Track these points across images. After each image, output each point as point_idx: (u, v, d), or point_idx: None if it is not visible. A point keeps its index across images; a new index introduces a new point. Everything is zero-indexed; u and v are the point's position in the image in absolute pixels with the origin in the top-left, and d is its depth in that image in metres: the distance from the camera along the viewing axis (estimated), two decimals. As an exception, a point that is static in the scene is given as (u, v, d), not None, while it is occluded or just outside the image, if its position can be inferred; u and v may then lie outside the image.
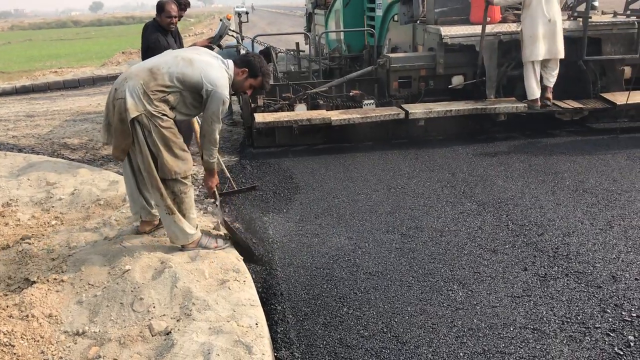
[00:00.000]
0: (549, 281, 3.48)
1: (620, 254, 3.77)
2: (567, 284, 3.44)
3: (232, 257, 3.75)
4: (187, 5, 6.22)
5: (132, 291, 3.29)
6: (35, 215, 4.72)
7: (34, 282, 3.51)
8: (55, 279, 3.53)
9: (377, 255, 3.92)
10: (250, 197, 5.21)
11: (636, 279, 3.44)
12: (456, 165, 5.81)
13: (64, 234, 4.24)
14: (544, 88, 6.53)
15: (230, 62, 3.81)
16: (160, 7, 5.69)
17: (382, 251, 3.99)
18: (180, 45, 6.26)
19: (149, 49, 5.45)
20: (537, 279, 3.52)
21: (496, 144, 6.56)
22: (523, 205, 4.69)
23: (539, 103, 6.54)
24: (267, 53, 8.46)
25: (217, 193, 4.11)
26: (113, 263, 3.64)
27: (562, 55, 6.36)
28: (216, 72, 3.64)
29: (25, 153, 7.00)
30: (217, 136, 3.78)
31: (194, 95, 3.65)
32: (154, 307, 3.15)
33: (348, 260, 3.87)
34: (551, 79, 6.50)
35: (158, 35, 5.55)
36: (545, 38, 6.28)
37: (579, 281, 3.46)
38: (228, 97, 3.69)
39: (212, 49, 6.93)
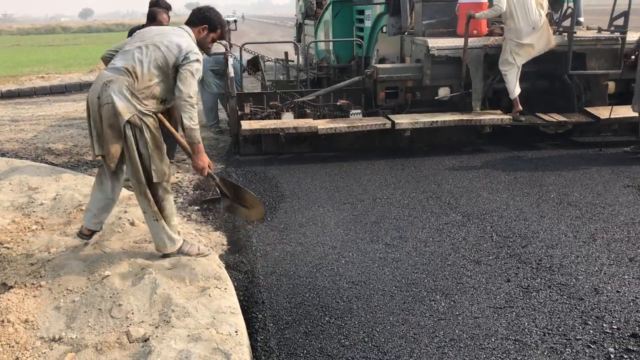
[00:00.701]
0: (532, 293, 3.48)
1: (603, 266, 3.77)
2: (550, 295, 3.44)
3: (214, 264, 3.72)
4: (169, 8, 6.30)
5: (110, 297, 3.25)
6: (15, 219, 4.64)
7: (11, 287, 3.45)
8: (33, 284, 3.48)
9: (360, 265, 3.90)
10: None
11: (618, 291, 3.45)
12: (442, 177, 5.82)
13: (44, 238, 4.18)
14: (513, 102, 6.68)
15: (186, 27, 3.75)
16: (153, 16, 5.73)
17: (365, 261, 3.96)
18: None
19: None
20: (519, 291, 3.51)
21: (482, 156, 6.58)
22: (507, 217, 4.69)
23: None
24: (255, 61, 8.48)
25: (212, 173, 3.87)
26: (92, 268, 3.59)
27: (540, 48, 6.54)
28: (180, 38, 3.59)
29: (8, 157, 6.92)
30: (195, 97, 3.55)
31: (174, 74, 3.56)
32: (132, 314, 3.10)
33: (331, 270, 3.85)
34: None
35: None
36: (533, 44, 6.43)
37: (562, 293, 3.46)
38: (200, 55, 3.61)
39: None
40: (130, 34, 5.76)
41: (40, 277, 3.55)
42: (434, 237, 4.33)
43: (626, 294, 3.41)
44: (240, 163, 6.59)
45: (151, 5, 6.36)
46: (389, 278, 3.71)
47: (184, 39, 3.60)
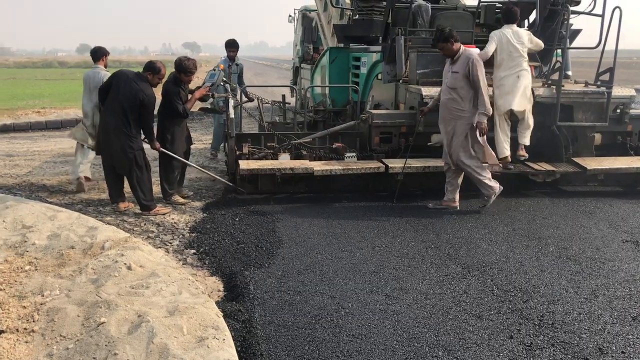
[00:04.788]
0: (535, 351, 3.42)
1: (606, 325, 3.72)
2: (554, 354, 3.37)
3: (212, 312, 3.64)
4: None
5: (106, 345, 3.16)
6: (8, 259, 4.55)
7: (3, 331, 3.35)
8: (25, 328, 3.38)
9: (360, 317, 3.83)
10: (231, 249, 5.12)
11: (623, 352, 3.39)
12: (440, 226, 5.80)
13: (38, 280, 4.09)
14: (517, 145, 6.75)
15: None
16: (191, 70, 6.48)
17: (365, 312, 3.89)
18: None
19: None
20: (522, 348, 3.45)
21: (476, 204, 6.54)
22: (507, 270, 4.66)
23: (509, 160, 6.69)
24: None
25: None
26: (88, 314, 3.50)
27: (515, 106, 6.54)
28: None
29: (2, 193, 6.84)
30: None
31: None
32: (128, 364, 3.01)
33: (331, 321, 3.77)
34: (525, 137, 6.71)
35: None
36: (512, 92, 6.53)
37: (566, 352, 3.40)
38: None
39: (210, 97, 7.16)
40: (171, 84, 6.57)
41: (33, 321, 3.46)
42: (435, 290, 4.27)
43: (632, 355, 3.36)
44: (237, 202, 6.56)
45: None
46: (389, 332, 3.64)
47: None
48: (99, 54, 7.21)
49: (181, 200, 6.65)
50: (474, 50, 6.26)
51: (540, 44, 6.77)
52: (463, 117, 6.13)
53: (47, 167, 8.59)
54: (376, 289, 4.28)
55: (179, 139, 6.52)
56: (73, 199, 6.82)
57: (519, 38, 6.53)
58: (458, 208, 6.37)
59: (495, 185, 6.30)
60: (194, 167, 7.02)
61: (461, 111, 6.12)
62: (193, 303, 3.72)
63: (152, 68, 6.10)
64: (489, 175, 6.30)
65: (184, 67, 6.39)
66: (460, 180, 6.39)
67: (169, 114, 6.30)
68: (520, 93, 6.54)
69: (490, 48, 6.51)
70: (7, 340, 3.23)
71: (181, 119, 6.53)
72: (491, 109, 6.12)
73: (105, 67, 7.26)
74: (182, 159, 6.55)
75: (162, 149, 6.28)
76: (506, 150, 6.66)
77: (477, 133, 6.12)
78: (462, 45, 6.16)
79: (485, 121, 6.08)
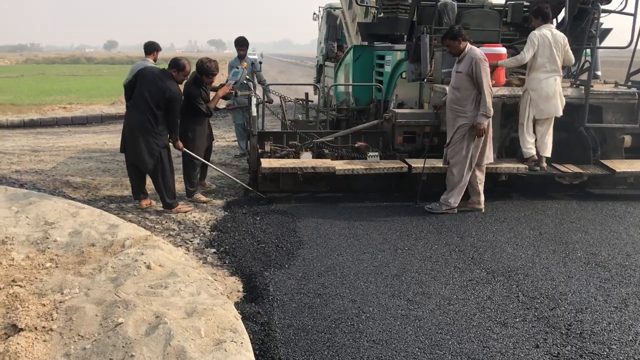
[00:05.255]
0: (563, 362, 3.30)
1: (638, 336, 3.58)
2: (582, 366, 3.26)
3: (230, 315, 3.59)
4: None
5: (123, 347, 3.13)
6: (30, 255, 4.57)
7: (22, 329, 3.34)
8: (44, 327, 3.37)
9: (381, 322, 3.74)
10: (252, 249, 5.07)
11: (655, 365, 3.27)
12: (465, 229, 5.68)
13: (58, 278, 4.09)
14: (540, 158, 6.60)
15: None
16: (212, 72, 6.42)
17: (387, 317, 3.81)
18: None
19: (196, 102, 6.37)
20: (549, 358, 3.33)
21: (502, 206, 6.43)
22: (534, 276, 4.53)
23: (536, 159, 6.58)
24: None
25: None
26: (106, 314, 3.48)
27: (560, 113, 6.46)
28: None
29: (27, 189, 6.90)
30: None
31: None
32: (145, 367, 2.97)
33: (351, 325, 3.69)
34: (548, 148, 6.57)
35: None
36: (555, 97, 6.39)
37: (595, 364, 3.28)
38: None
39: (233, 95, 7.15)
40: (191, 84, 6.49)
41: (52, 320, 3.45)
42: (458, 295, 4.17)
43: (664, 369, 3.23)
44: (258, 201, 6.53)
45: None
46: (411, 338, 3.55)
47: None
48: (151, 48, 7.66)
49: (203, 198, 6.63)
50: (479, 50, 6.04)
51: (571, 59, 6.64)
52: (464, 118, 5.99)
53: (72, 163, 8.65)
54: (398, 293, 4.19)
55: (200, 138, 6.49)
56: (96, 196, 6.85)
57: (556, 42, 6.38)
58: (483, 210, 6.24)
59: (454, 205, 6.17)
60: (214, 168, 7.00)
61: (462, 112, 5.99)
62: (211, 304, 3.67)
63: (176, 65, 6.08)
64: (461, 194, 6.16)
65: (206, 69, 6.35)
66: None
67: (190, 112, 6.28)
68: (559, 98, 6.44)
69: (529, 54, 6.35)
70: (25, 338, 3.22)
71: (203, 118, 6.51)
72: (492, 110, 5.94)
73: (155, 61, 7.61)
74: (203, 159, 6.54)
75: (184, 149, 6.26)
76: (532, 150, 6.57)
77: (475, 134, 5.94)
78: (468, 44, 6.02)
79: (485, 123, 5.91)
